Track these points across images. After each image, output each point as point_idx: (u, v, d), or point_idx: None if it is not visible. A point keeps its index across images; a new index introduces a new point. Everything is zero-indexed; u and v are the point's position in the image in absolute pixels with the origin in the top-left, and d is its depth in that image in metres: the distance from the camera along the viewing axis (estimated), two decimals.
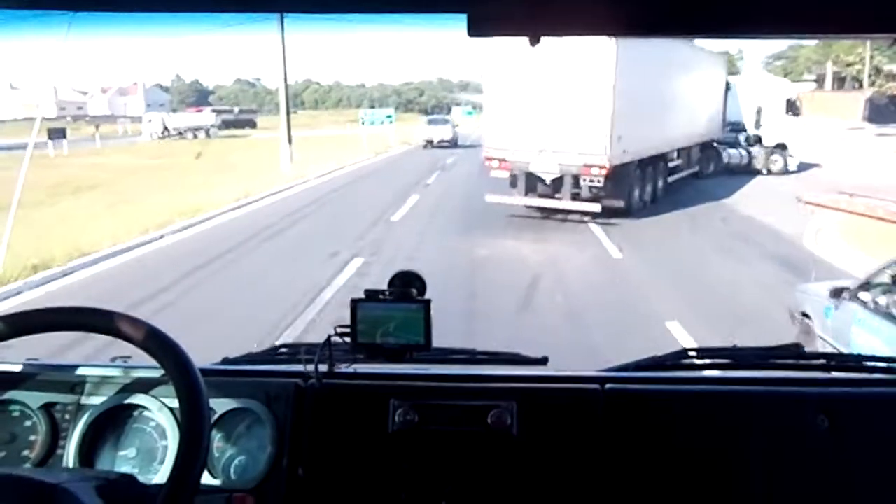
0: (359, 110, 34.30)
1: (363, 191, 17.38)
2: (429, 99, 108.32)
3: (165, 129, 46.05)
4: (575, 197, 12.39)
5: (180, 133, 45.01)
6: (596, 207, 12.07)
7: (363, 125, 31.23)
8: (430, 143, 32.55)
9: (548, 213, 12.71)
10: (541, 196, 12.93)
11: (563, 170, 12.34)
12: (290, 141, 23.11)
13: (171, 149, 33.42)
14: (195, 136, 43.98)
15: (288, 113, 24.38)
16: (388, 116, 31.84)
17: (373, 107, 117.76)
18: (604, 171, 11.95)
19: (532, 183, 12.95)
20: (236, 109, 57.75)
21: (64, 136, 28.92)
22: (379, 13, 1.11)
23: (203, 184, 16.92)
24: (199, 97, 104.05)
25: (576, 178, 12.32)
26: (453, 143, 32.23)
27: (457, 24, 1.00)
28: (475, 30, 0.99)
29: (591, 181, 12.18)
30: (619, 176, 12.31)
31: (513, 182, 13.14)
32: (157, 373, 1.46)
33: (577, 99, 11.75)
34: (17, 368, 1.58)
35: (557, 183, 12.57)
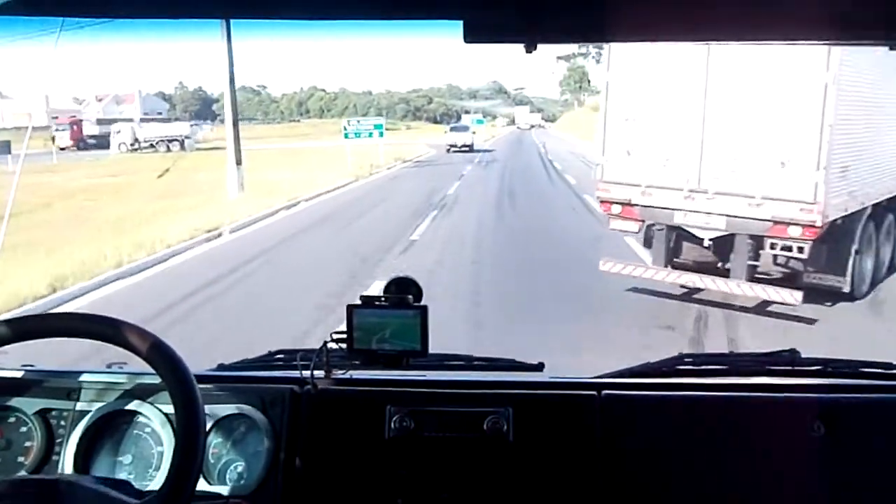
0: (349, 120, 26.70)
1: (292, 262, 10.10)
2: (438, 107, 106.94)
3: (136, 140, 42.09)
4: (753, 275, 7.01)
5: (152, 145, 41.20)
6: (793, 297, 6.57)
7: (347, 138, 23.54)
8: (453, 146, 35.05)
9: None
10: (694, 267, 7.54)
11: (732, 226, 6.98)
12: (238, 162, 18.20)
13: (136, 164, 30.16)
14: (168, 149, 39.96)
15: (236, 125, 17.75)
16: (377, 126, 24.48)
17: (380, 115, 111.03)
18: (813, 232, 6.49)
19: (678, 244, 7.71)
20: (138, 119, 48.71)
21: (8, 150, 24.76)
22: (374, 20, 1.11)
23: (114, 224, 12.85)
24: (203, 105, 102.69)
25: (757, 242, 6.95)
26: (471, 148, 34.62)
27: (453, 30, 1.01)
28: (471, 36, 1.00)
29: (788, 247, 6.72)
30: (838, 236, 6.93)
31: (647, 241, 8.02)
32: (153, 379, 1.41)
33: (763, 110, 6.59)
34: (13, 374, 1.58)
35: (722, 247, 7.22)
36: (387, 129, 29.24)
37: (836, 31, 1.01)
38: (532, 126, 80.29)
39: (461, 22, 0.99)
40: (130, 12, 1.11)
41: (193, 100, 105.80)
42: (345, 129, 26.02)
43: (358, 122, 27.59)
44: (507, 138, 55.65)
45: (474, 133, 37.36)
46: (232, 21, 1.16)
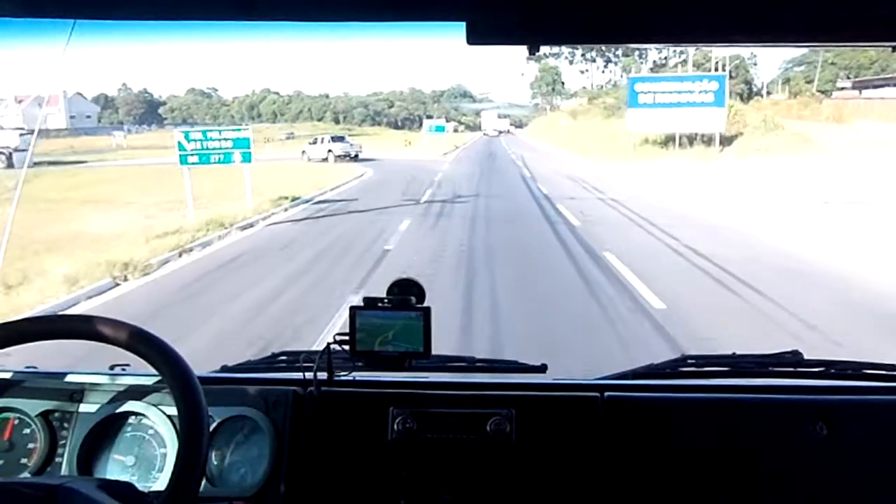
0: (188, 132, 13.05)
1: None
2: (399, 111, 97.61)
3: None
4: None
5: None
6: None
7: (185, 164, 10.12)
8: (343, 156, 32.95)
9: None
10: None
11: None
12: None
13: None
14: None
15: None
16: (240, 143, 11.18)
17: (336, 121, 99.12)
18: None
19: None
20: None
21: None
22: (376, 21, 1.10)
23: None
24: (149, 108, 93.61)
25: None
26: (356, 157, 33.12)
27: (455, 32, 1.01)
28: (474, 38, 1.00)
29: None
30: None
31: None
32: (157, 381, 1.47)
33: None
34: (16, 376, 1.56)
35: None
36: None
37: (840, 33, 1.00)
38: (500, 132, 68.44)
39: (464, 23, 0.99)
40: (130, 15, 1.10)
41: (138, 102, 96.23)
42: (180, 146, 13.03)
43: (205, 135, 14.08)
44: (474, 150, 42.44)
45: (355, 144, 35.45)
46: (231, 23, 1.11)
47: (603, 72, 73.18)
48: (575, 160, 31.03)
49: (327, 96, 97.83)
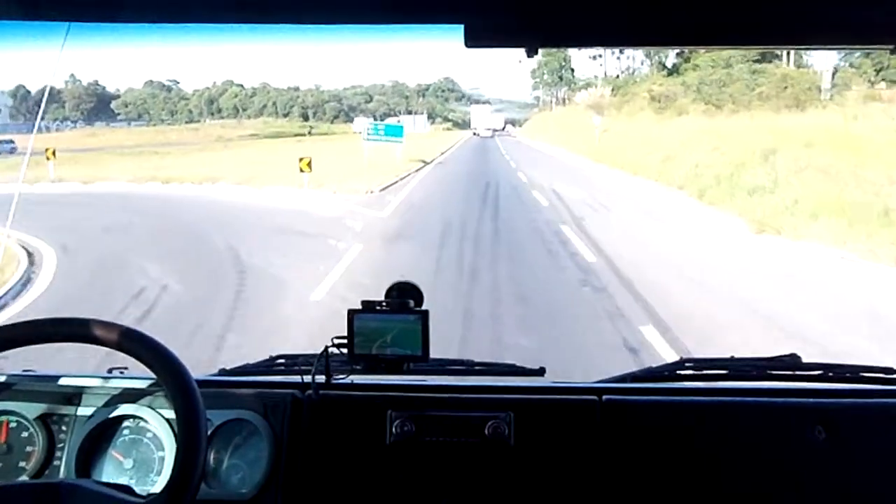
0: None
1: None
2: (378, 105, 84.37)
3: None
4: None
5: None
6: None
7: None
8: None
9: None
10: None
11: None
12: None
13: None
14: None
15: None
16: None
17: (305, 117, 79.20)
18: None
19: None
20: None
21: None
22: (375, 24, 1.10)
23: None
24: (99, 103, 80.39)
25: None
26: None
27: (454, 34, 1.02)
28: (473, 41, 1.01)
29: None
30: None
31: None
32: (155, 384, 1.49)
33: None
34: (14, 379, 1.56)
35: None
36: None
37: (839, 35, 0.98)
38: (495, 132, 50.93)
39: (462, 26, 0.98)
40: (131, 17, 1.08)
41: (87, 96, 77.97)
42: None
43: None
44: (452, 172, 23.79)
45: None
46: (232, 25, 1.09)
47: (619, 58, 56.32)
48: (727, 223, 12.03)
49: (297, 89, 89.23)
